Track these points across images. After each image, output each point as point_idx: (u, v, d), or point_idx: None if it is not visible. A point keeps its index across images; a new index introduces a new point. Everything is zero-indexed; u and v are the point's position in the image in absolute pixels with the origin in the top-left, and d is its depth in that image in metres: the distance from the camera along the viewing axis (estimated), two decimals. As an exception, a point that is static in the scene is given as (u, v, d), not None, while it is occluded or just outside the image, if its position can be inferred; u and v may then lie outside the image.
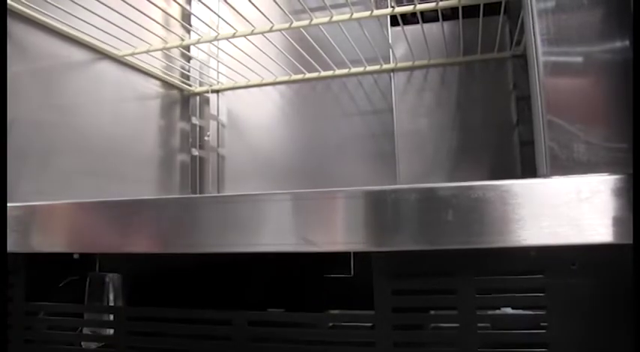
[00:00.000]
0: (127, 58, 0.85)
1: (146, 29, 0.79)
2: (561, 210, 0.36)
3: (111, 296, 0.56)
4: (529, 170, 0.86)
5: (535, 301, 0.41)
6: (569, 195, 0.36)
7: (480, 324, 0.41)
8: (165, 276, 0.62)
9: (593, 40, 0.41)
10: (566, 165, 0.39)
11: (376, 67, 0.95)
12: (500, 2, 0.74)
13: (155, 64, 0.92)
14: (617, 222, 0.36)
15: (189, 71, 1.03)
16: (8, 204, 0.49)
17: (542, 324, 0.41)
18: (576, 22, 0.41)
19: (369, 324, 0.44)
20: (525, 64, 0.88)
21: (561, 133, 0.40)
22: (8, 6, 0.64)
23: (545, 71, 0.41)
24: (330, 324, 0.49)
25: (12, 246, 0.49)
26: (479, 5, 0.74)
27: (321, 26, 0.77)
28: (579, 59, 0.41)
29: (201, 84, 1.06)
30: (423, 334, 0.43)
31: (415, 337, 0.43)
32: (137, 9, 0.72)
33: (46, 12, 0.68)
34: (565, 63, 0.41)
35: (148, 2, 0.72)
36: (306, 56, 0.90)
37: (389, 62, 0.94)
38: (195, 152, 1.04)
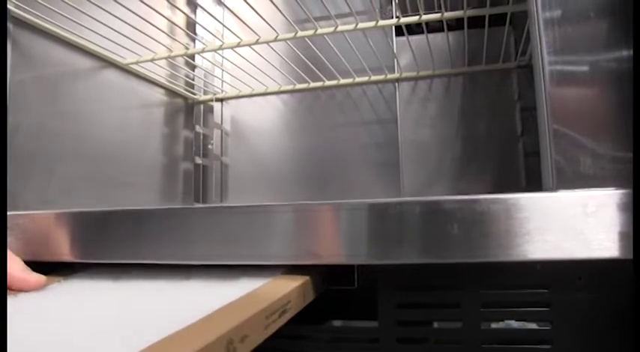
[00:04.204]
0: (131, 66, 0.85)
1: (151, 38, 0.79)
2: (567, 224, 0.36)
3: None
4: (533, 181, 0.86)
5: (540, 315, 0.41)
6: (576, 209, 0.36)
7: (484, 338, 0.41)
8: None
9: (600, 49, 0.41)
10: (573, 178, 0.39)
11: (381, 77, 0.95)
12: (506, 13, 0.74)
13: (160, 72, 0.92)
14: (624, 236, 0.35)
15: (193, 80, 1.03)
16: (12, 213, 0.49)
17: (547, 339, 0.40)
18: (583, 32, 0.41)
19: (373, 337, 0.44)
20: (530, 74, 0.88)
21: (568, 145, 0.40)
22: (14, 14, 0.64)
23: (552, 81, 0.41)
24: (333, 336, 0.49)
25: (15, 253, 0.49)
26: (484, 16, 0.74)
27: (325, 36, 0.78)
28: (586, 69, 0.41)
29: (205, 92, 1.07)
30: (427, 347, 0.43)
31: (419, 350, 0.42)
32: (142, 18, 0.72)
33: (52, 20, 0.69)
34: (571, 73, 0.41)
35: (153, 11, 0.72)
36: (311, 65, 0.90)
37: (393, 72, 0.94)
38: (199, 160, 1.04)
